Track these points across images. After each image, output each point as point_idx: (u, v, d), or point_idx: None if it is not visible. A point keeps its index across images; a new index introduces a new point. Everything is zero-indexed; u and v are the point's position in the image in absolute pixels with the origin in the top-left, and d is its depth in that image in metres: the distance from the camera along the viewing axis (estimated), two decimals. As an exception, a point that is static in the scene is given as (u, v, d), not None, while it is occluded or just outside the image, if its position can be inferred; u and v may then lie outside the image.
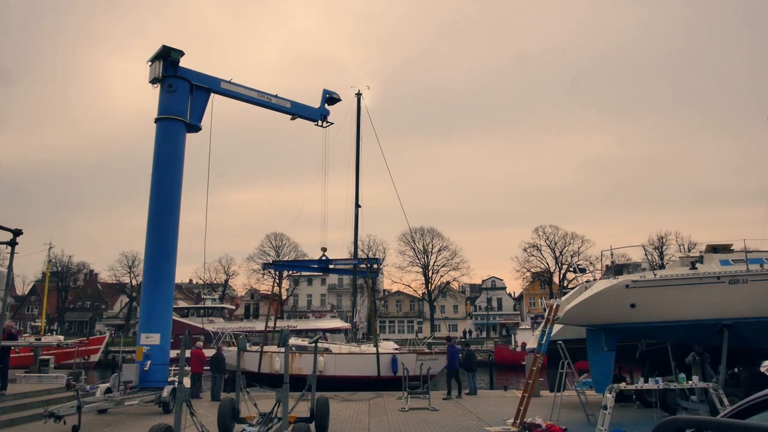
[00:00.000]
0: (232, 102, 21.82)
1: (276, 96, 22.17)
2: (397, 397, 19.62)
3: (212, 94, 20.62)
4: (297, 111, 22.82)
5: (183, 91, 19.63)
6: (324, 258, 25.73)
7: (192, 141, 20.53)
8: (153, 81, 19.57)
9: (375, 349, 23.94)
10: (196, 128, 20.02)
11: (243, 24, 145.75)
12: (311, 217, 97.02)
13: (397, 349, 26.83)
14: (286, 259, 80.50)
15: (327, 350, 24.86)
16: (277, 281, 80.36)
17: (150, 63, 19.83)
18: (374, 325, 28.01)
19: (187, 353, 12.06)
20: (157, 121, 19.43)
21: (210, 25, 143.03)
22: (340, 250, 40.15)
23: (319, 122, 23.56)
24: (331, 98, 23.99)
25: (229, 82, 21.02)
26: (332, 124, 23.98)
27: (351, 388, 22.07)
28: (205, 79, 20.35)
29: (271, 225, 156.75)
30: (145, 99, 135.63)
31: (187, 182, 19.79)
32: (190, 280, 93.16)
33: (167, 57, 19.36)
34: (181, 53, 19.56)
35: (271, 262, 26.69)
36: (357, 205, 24.63)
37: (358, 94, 27.09)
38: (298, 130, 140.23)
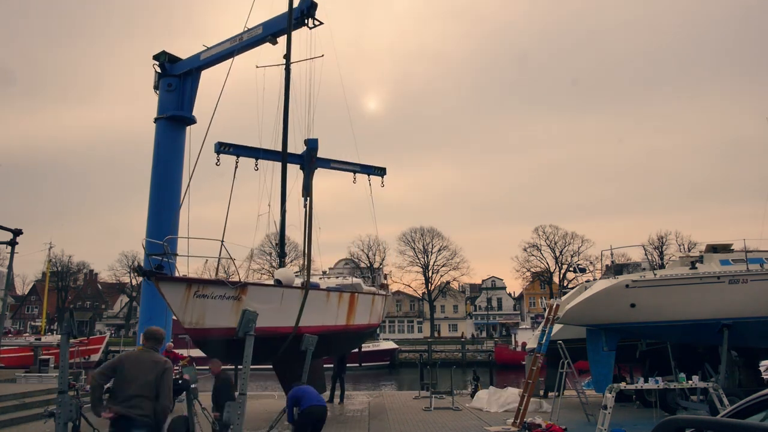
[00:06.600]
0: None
1: (247, 30, 18.66)
2: (410, 397, 19.61)
3: (201, 73, 20.71)
4: (272, 28, 18.35)
5: (177, 87, 20.24)
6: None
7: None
8: (155, 88, 20.57)
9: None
10: (192, 120, 20.31)
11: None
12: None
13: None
14: (287, 259, 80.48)
15: None
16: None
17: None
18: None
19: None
20: (156, 120, 19.79)
21: None
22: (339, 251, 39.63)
23: (307, 22, 17.27)
24: None
25: (206, 49, 20.02)
26: (322, 23, 17.60)
27: None
28: (187, 63, 20.58)
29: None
30: (149, 96, 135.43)
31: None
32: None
33: (158, 62, 20.39)
34: (164, 53, 20.17)
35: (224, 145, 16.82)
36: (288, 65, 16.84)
37: None
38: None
